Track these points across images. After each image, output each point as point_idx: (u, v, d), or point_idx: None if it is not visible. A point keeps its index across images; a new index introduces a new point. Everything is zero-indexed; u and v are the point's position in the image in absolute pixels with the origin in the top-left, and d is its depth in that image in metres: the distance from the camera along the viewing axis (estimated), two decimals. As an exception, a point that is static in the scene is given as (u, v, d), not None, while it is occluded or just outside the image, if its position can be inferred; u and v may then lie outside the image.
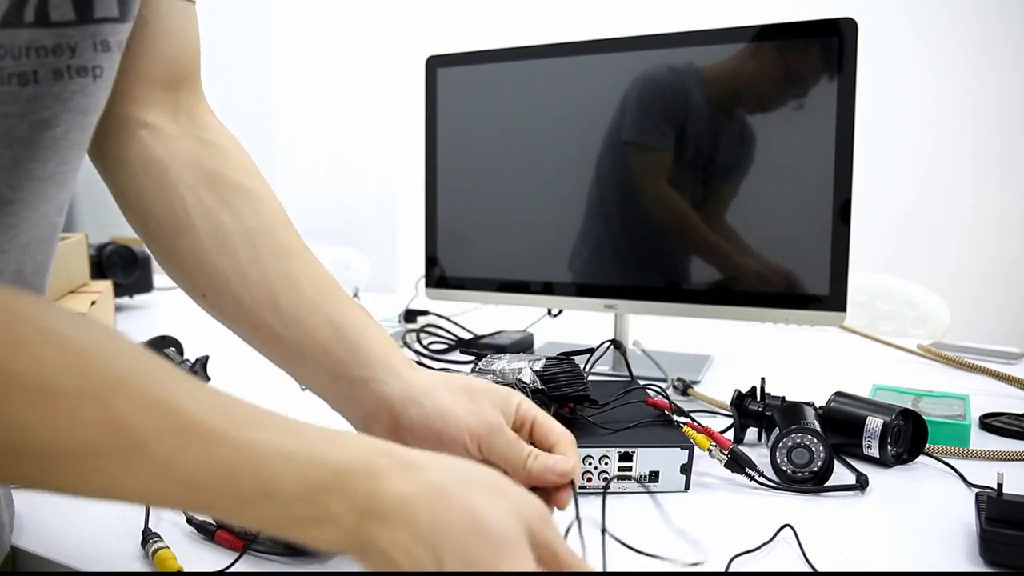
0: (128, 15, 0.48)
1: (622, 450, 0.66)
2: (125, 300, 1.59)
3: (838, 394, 0.76)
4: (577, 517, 0.49)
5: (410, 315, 1.39)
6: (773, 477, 0.67)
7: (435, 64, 1.14)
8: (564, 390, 0.71)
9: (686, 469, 0.66)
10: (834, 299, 0.93)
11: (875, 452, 0.70)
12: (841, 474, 0.69)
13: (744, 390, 0.79)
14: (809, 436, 0.67)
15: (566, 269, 1.09)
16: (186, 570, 0.51)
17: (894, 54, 2.28)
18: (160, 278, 1.64)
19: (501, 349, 1.14)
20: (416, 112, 1.25)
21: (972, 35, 2.26)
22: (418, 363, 0.82)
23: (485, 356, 0.81)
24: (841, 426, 0.73)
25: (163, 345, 0.92)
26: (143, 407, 0.35)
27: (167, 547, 0.53)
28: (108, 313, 1.29)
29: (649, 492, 0.66)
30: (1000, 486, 0.56)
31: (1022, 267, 2.29)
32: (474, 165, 1.14)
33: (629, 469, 0.66)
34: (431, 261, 1.17)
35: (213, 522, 0.56)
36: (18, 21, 0.42)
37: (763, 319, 0.98)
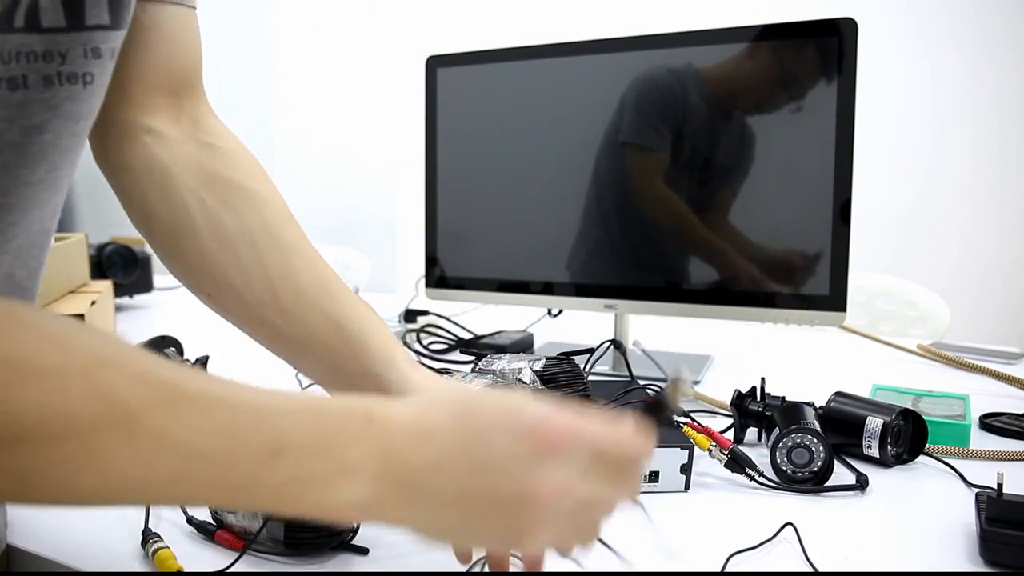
0: (121, 23, 0.48)
1: (622, 450, 0.66)
2: (125, 300, 1.59)
3: (838, 394, 0.76)
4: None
5: (410, 315, 1.39)
6: (773, 477, 0.67)
7: (435, 64, 1.14)
8: (564, 390, 0.71)
9: (686, 469, 0.66)
10: (834, 299, 0.93)
11: (875, 452, 0.70)
12: (841, 474, 0.69)
13: (744, 390, 0.79)
14: (809, 436, 0.67)
15: (566, 269, 1.09)
16: (186, 570, 0.51)
17: (894, 54, 2.28)
18: (160, 278, 1.64)
19: (501, 349, 1.14)
20: (416, 112, 1.25)
21: (972, 35, 2.26)
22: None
23: (485, 356, 0.81)
24: (841, 426, 0.73)
25: (163, 345, 0.92)
26: (131, 379, 0.34)
27: (167, 547, 0.53)
28: (108, 313, 1.29)
29: (649, 492, 0.66)
30: (1000, 486, 0.56)
31: (1022, 267, 2.29)
32: (474, 165, 1.14)
33: (629, 469, 0.66)
34: (431, 261, 1.17)
35: (213, 522, 0.56)
36: (8, 26, 0.42)
37: (763, 319, 0.98)
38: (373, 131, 3.32)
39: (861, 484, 0.66)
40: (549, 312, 1.24)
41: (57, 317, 0.36)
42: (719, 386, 0.97)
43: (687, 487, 0.66)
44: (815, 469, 0.67)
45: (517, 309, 1.30)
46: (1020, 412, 0.86)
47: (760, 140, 0.97)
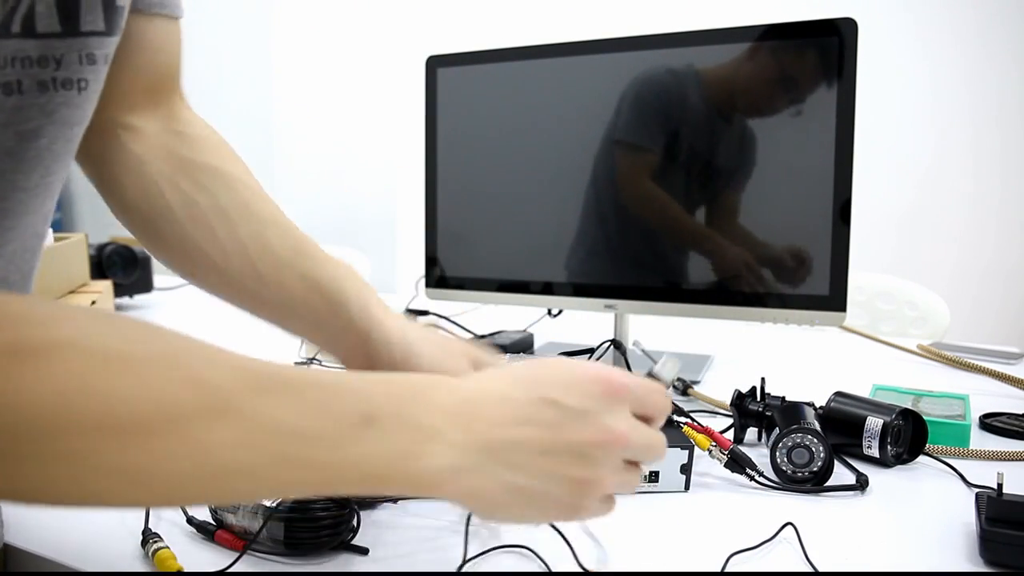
0: (115, 29, 0.49)
1: (622, 450, 0.66)
2: (125, 300, 1.59)
3: (838, 394, 0.76)
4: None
5: (410, 315, 1.39)
6: (773, 477, 0.67)
7: (435, 64, 1.14)
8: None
9: (686, 469, 0.66)
10: (834, 299, 0.93)
11: (875, 452, 0.70)
12: (841, 474, 0.69)
13: (744, 390, 0.79)
14: (809, 436, 0.67)
15: (565, 269, 1.09)
16: (186, 570, 0.51)
17: (894, 54, 2.28)
18: (160, 278, 1.64)
19: (501, 349, 1.14)
20: (416, 112, 1.25)
21: (972, 35, 2.26)
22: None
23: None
24: (841, 426, 0.73)
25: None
26: (220, 367, 0.35)
27: (167, 547, 0.53)
28: (108, 313, 1.29)
29: (649, 492, 0.66)
30: (1000, 486, 0.56)
31: (1022, 267, 2.29)
32: (474, 165, 1.14)
33: (629, 469, 0.66)
34: (431, 261, 1.17)
35: (213, 522, 0.56)
36: (5, 32, 0.42)
37: (763, 319, 0.98)
38: (373, 131, 3.31)
39: (861, 484, 0.66)
40: (549, 312, 1.24)
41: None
42: (719, 386, 0.97)
43: (687, 487, 0.66)
44: (815, 469, 0.67)
45: (517, 309, 1.30)
46: (1020, 412, 0.86)
47: (760, 140, 0.97)
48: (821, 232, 0.93)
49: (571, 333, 1.31)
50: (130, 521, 0.58)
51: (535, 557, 0.54)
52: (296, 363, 0.68)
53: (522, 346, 1.19)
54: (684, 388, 0.93)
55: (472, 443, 0.37)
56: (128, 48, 0.56)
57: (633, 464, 0.42)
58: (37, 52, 0.44)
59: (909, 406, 0.73)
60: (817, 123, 0.93)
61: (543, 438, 0.38)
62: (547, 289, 1.10)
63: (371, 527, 0.57)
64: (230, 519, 0.55)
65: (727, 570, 0.53)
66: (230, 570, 0.52)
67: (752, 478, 0.66)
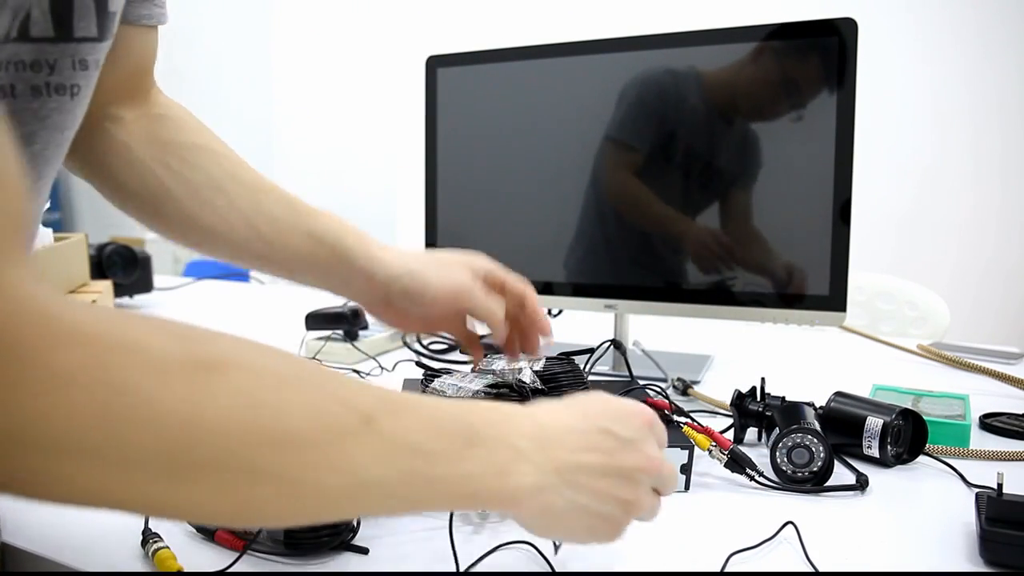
0: (107, 35, 0.50)
1: (622, 450, 0.65)
2: (125, 300, 1.59)
3: (838, 394, 0.76)
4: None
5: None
6: (773, 477, 0.67)
7: (435, 64, 1.14)
8: (564, 390, 0.71)
9: (686, 469, 0.66)
10: (834, 299, 0.93)
11: (875, 452, 0.70)
12: (841, 474, 0.69)
13: (744, 390, 0.79)
14: (809, 436, 0.67)
15: (564, 268, 1.09)
16: (186, 570, 0.51)
17: (894, 54, 2.28)
18: (160, 278, 1.64)
19: (501, 349, 1.14)
20: (416, 112, 1.25)
21: (972, 35, 2.26)
22: (418, 364, 0.83)
23: (485, 356, 0.81)
24: (841, 426, 0.72)
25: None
26: (350, 386, 0.38)
27: (167, 547, 0.53)
28: (108, 313, 1.29)
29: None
30: (1000, 486, 0.56)
31: (1022, 267, 2.29)
32: (474, 165, 1.14)
33: (629, 469, 0.66)
34: (431, 261, 1.17)
35: (213, 522, 0.56)
36: (3, 37, 0.42)
37: (763, 319, 0.98)
38: (373, 131, 3.32)
39: (861, 484, 0.66)
40: (549, 312, 1.24)
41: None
42: (719, 386, 0.97)
43: (687, 487, 0.66)
44: (815, 469, 0.67)
45: (517, 309, 1.30)
46: (1020, 412, 0.86)
47: (760, 141, 0.97)
48: (821, 232, 0.93)
49: (571, 333, 1.31)
50: (130, 521, 0.58)
51: (537, 555, 0.54)
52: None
53: (522, 346, 1.19)
54: (684, 388, 0.93)
55: (549, 465, 0.42)
56: (116, 52, 0.59)
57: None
58: (31, 56, 0.44)
59: (909, 406, 0.73)
60: (817, 123, 0.93)
61: (602, 462, 0.43)
62: (547, 289, 1.10)
63: (371, 527, 0.57)
64: (230, 519, 0.55)
65: (727, 570, 0.53)
66: (230, 570, 0.52)
67: (752, 478, 0.66)
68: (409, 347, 1.19)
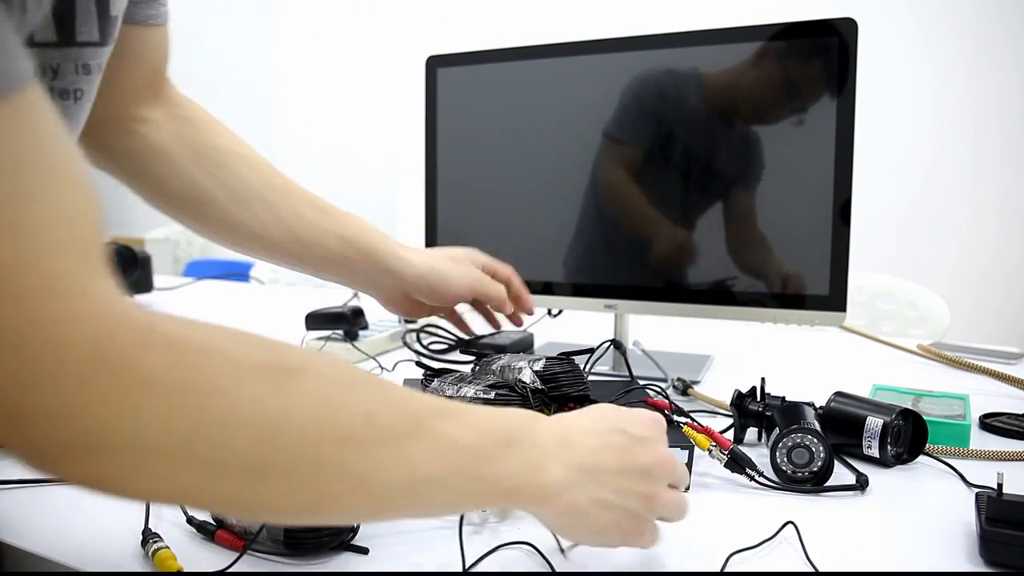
0: (108, 39, 0.51)
1: (622, 450, 0.65)
2: (125, 300, 1.59)
3: (838, 394, 0.76)
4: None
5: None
6: (773, 477, 0.67)
7: (435, 64, 1.14)
8: (564, 390, 0.71)
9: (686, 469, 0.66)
10: (834, 299, 0.93)
11: (875, 452, 0.70)
12: (841, 474, 0.69)
13: (744, 390, 0.79)
14: (809, 436, 0.67)
15: (564, 268, 1.09)
16: (186, 570, 0.51)
17: (894, 54, 2.28)
18: (160, 278, 1.64)
19: (501, 349, 1.14)
20: (416, 112, 1.25)
21: (972, 35, 2.26)
22: (418, 364, 0.84)
23: (485, 356, 0.81)
24: (841, 426, 0.72)
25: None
26: (401, 392, 0.42)
27: (167, 547, 0.53)
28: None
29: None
30: (1000, 486, 0.56)
31: (1022, 267, 2.29)
32: (474, 165, 1.14)
33: (629, 469, 0.66)
34: (431, 261, 1.17)
35: (213, 522, 0.56)
36: None
37: (763, 319, 0.98)
38: (373, 131, 3.32)
39: (861, 484, 0.66)
40: (549, 312, 1.24)
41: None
42: (719, 386, 0.97)
43: (687, 487, 0.66)
44: (815, 469, 0.67)
45: (517, 309, 1.30)
46: (1020, 412, 0.86)
47: (761, 142, 0.97)
48: (821, 232, 0.93)
49: (571, 333, 1.31)
50: (130, 521, 0.58)
51: (537, 555, 0.54)
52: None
53: (522, 346, 1.19)
54: (684, 388, 0.93)
55: (574, 463, 0.45)
56: (130, 53, 0.64)
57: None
58: (34, 61, 0.45)
59: (909, 406, 0.73)
60: (817, 123, 0.93)
61: (620, 459, 0.47)
62: (547, 289, 1.10)
63: (371, 527, 0.57)
64: (230, 519, 0.55)
65: (727, 570, 0.53)
66: (230, 570, 0.52)
67: (752, 478, 0.66)
68: (409, 347, 1.19)
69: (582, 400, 0.72)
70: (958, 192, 2.34)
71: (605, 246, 1.07)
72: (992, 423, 0.83)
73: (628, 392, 0.77)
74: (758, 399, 0.78)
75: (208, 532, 0.56)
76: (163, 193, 0.71)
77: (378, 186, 3.27)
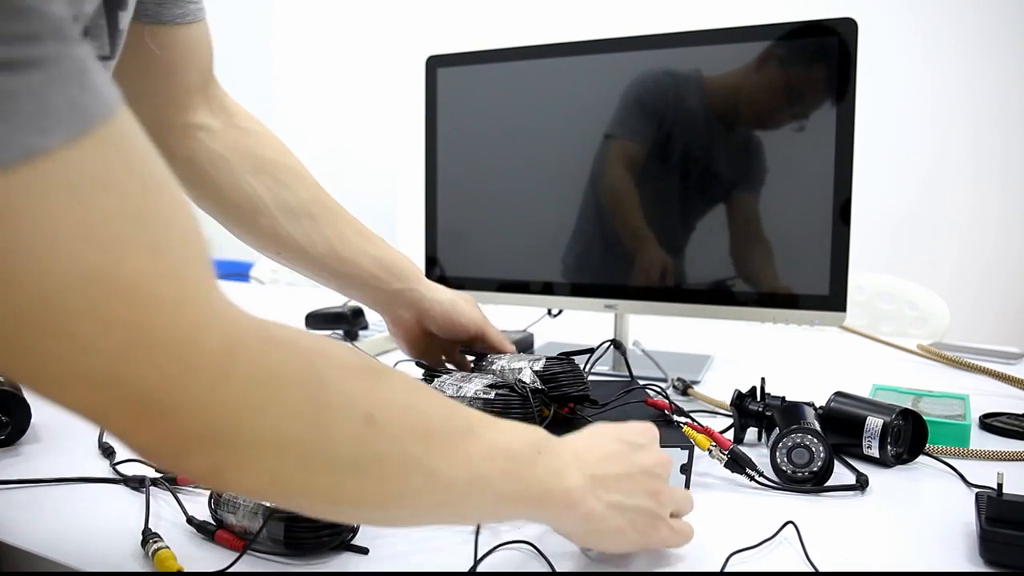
0: (116, 52, 0.52)
1: (622, 450, 0.65)
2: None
3: (838, 394, 0.76)
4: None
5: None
6: (773, 477, 0.67)
7: (435, 64, 1.14)
8: (564, 390, 0.71)
9: (686, 469, 0.66)
10: (834, 299, 0.93)
11: (875, 452, 0.70)
12: (841, 474, 0.69)
13: (744, 390, 0.79)
14: (809, 436, 0.67)
15: (562, 266, 1.09)
16: (186, 570, 0.51)
17: (894, 54, 2.28)
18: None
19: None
20: (416, 112, 1.25)
21: (972, 35, 2.26)
22: (417, 363, 0.84)
23: (485, 356, 0.81)
24: (841, 426, 0.72)
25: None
26: (453, 401, 0.46)
27: (167, 547, 0.53)
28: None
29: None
30: (1000, 486, 0.56)
31: (1022, 267, 2.29)
32: (474, 165, 1.14)
33: (629, 469, 0.66)
34: (431, 261, 1.17)
35: (213, 522, 0.56)
36: None
37: (763, 319, 0.98)
38: (373, 131, 3.31)
39: (861, 484, 0.66)
40: (549, 312, 1.24)
41: None
42: (719, 386, 0.97)
43: (687, 487, 0.66)
44: (815, 469, 0.67)
45: (517, 309, 1.30)
46: (1020, 412, 0.86)
47: (762, 144, 0.97)
48: (821, 232, 0.93)
49: (571, 333, 1.31)
50: (130, 521, 0.58)
51: (538, 555, 0.54)
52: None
53: (522, 346, 1.19)
54: (684, 388, 0.93)
55: (586, 472, 0.48)
56: (184, 54, 0.68)
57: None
58: None
59: (909, 406, 0.73)
60: (817, 124, 0.93)
61: (623, 465, 0.51)
62: (547, 289, 1.10)
63: (371, 527, 0.57)
64: (230, 519, 0.55)
65: (727, 570, 0.53)
66: (230, 570, 0.52)
67: (752, 478, 0.66)
68: (409, 347, 1.18)
69: (582, 400, 0.72)
70: (958, 192, 2.34)
71: (604, 246, 1.07)
72: (992, 423, 0.83)
73: (628, 392, 0.77)
74: (758, 399, 0.78)
75: (208, 532, 0.56)
76: (218, 200, 0.74)
77: (378, 186, 3.26)
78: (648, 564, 0.54)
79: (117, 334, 0.31)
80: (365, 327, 1.18)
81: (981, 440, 0.80)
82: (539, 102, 1.08)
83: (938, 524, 0.60)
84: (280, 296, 1.74)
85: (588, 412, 0.72)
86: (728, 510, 0.63)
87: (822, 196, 0.93)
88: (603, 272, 1.07)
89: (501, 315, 1.43)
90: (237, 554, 0.53)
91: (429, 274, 1.18)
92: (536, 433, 0.49)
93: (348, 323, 1.16)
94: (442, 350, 0.85)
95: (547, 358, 0.74)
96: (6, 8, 0.27)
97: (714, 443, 0.66)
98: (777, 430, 0.69)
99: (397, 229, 3.17)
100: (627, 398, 0.75)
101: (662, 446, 0.65)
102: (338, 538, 0.54)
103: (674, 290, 1.02)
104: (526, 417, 0.66)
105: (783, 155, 0.96)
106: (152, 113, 0.59)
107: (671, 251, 1.02)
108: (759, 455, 0.70)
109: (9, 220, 0.28)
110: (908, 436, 0.73)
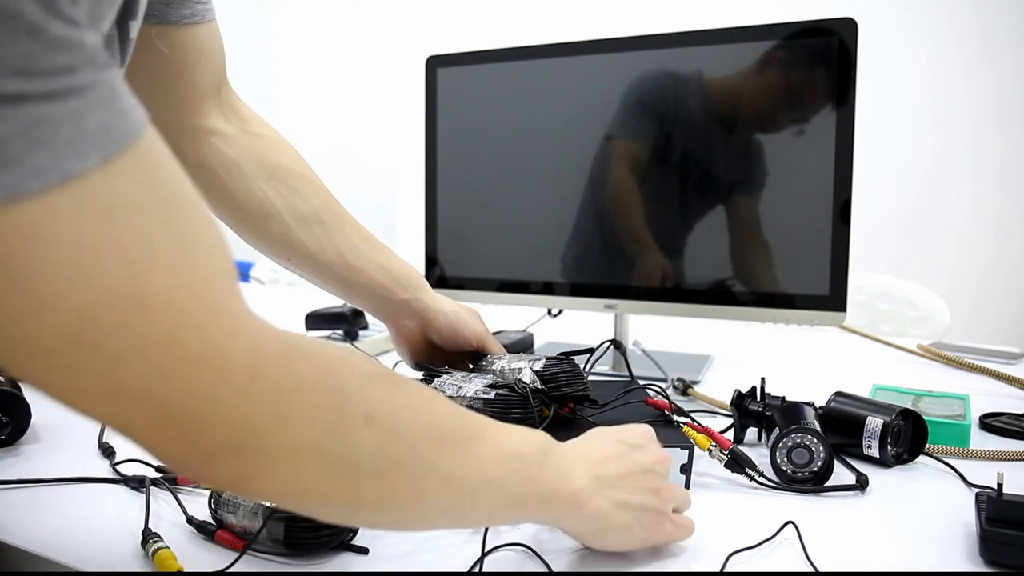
0: (126, 61, 0.52)
1: (622, 450, 0.65)
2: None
3: (838, 394, 0.76)
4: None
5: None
6: (773, 477, 0.67)
7: (435, 64, 1.14)
8: (564, 390, 0.71)
9: (686, 469, 0.66)
10: (834, 299, 0.93)
11: (875, 452, 0.70)
12: (841, 474, 0.69)
13: (744, 390, 0.79)
14: (809, 436, 0.67)
15: (561, 265, 1.09)
16: (186, 570, 0.51)
17: (894, 54, 2.28)
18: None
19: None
20: (416, 112, 1.25)
21: (972, 35, 2.26)
22: (417, 365, 0.84)
23: (485, 356, 0.81)
24: (841, 426, 0.72)
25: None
26: (460, 406, 0.47)
27: (167, 547, 0.53)
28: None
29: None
30: (1000, 486, 0.56)
31: (1022, 267, 2.29)
32: (474, 165, 1.14)
33: (629, 469, 0.66)
34: (431, 261, 1.17)
35: (213, 522, 0.56)
36: None
37: (763, 319, 0.98)
38: (373, 131, 3.32)
39: (861, 484, 0.66)
40: (549, 312, 1.24)
41: None
42: (719, 386, 0.97)
43: (687, 487, 0.66)
44: (815, 469, 0.67)
45: (517, 309, 1.30)
46: (1020, 412, 0.86)
47: (762, 145, 0.97)
48: (821, 232, 0.93)
49: (571, 333, 1.31)
50: (130, 521, 0.58)
51: (536, 557, 0.54)
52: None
53: (522, 346, 1.19)
54: (684, 388, 0.93)
55: (590, 474, 0.50)
56: (195, 56, 0.68)
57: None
58: None
59: (909, 406, 0.73)
60: (818, 124, 0.93)
61: (624, 464, 0.52)
62: (547, 289, 1.10)
63: (370, 529, 0.57)
64: (230, 519, 0.55)
65: (727, 570, 0.53)
66: (230, 570, 0.52)
67: (752, 478, 0.66)
68: (409, 347, 1.18)
69: (582, 400, 0.72)
70: (958, 192, 2.34)
71: (604, 246, 1.07)
72: (992, 423, 0.83)
73: (628, 392, 0.77)
74: (758, 399, 0.78)
75: (208, 532, 0.56)
76: (230, 205, 0.74)
77: (378, 186, 3.27)
78: (648, 563, 0.54)
79: (148, 349, 0.31)
80: (365, 327, 1.18)
81: (981, 440, 0.80)
82: (539, 102, 1.08)
83: (938, 524, 0.60)
84: (280, 296, 1.74)
85: (588, 412, 0.72)
86: (728, 510, 0.63)
87: (822, 196, 0.93)
88: (603, 272, 1.07)
89: (501, 315, 1.44)
90: (237, 554, 0.53)
91: (429, 274, 1.18)
92: (541, 436, 0.49)
93: (348, 323, 1.16)
94: (443, 360, 0.85)
95: (547, 358, 0.74)
96: (48, 43, 0.28)
97: (714, 443, 0.66)
98: (777, 430, 0.69)
99: (397, 229, 3.18)
100: (627, 398, 0.75)
101: (663, 446, 0.66)
102: (338, 538, 0.54)
103: (674, 290, 1.02)
104: (526, 417, 0.66)
105: (783, 155, 0.96)
106: (163, 115, 0.58)
107: (671, 252, 1.02)
108: (759, 455, 0.70)
109: (46, 241, 0.29)
110: (908, 436, 0.73)
